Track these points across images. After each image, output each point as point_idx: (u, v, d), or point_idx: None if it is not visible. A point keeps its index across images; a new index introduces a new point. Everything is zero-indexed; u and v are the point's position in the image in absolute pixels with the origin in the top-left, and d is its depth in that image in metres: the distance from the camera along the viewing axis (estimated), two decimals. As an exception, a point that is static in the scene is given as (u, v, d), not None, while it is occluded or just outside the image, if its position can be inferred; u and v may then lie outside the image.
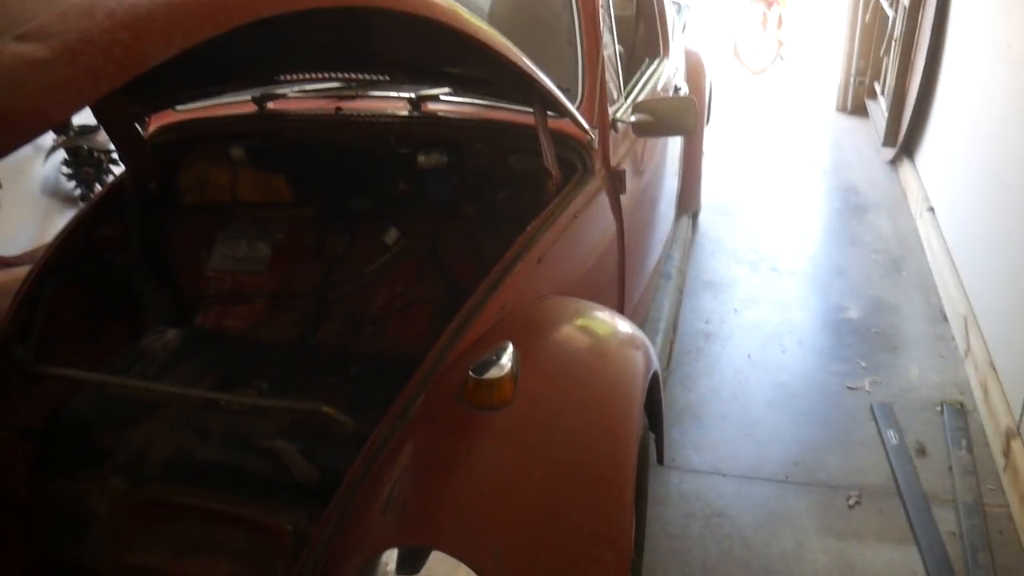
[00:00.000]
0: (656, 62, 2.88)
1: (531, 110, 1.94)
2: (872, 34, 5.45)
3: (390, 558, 1.28)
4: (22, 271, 1.98)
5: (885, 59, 5.19)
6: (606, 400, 1.54)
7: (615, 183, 2.16)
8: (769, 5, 7.24)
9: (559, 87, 1.88)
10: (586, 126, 2.00)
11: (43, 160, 4.18)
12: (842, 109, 6.01)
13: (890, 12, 4.95)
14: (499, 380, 1.43)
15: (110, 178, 4.27)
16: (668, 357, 2.72)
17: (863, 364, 3.07)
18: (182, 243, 2.31)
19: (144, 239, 2.21)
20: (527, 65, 1.67)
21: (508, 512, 1.33)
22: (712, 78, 4.02)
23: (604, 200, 2.13)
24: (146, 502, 1.64)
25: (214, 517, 1.60)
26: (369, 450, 1.41)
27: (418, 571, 1.25)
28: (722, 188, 4.74)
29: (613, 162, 2.17)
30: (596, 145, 2.08)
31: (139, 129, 2.27)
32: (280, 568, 1.55)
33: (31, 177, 4.17)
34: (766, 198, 4.66)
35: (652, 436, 2.05)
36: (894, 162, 4.85)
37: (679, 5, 7.43)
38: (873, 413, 2.79)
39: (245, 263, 2.24)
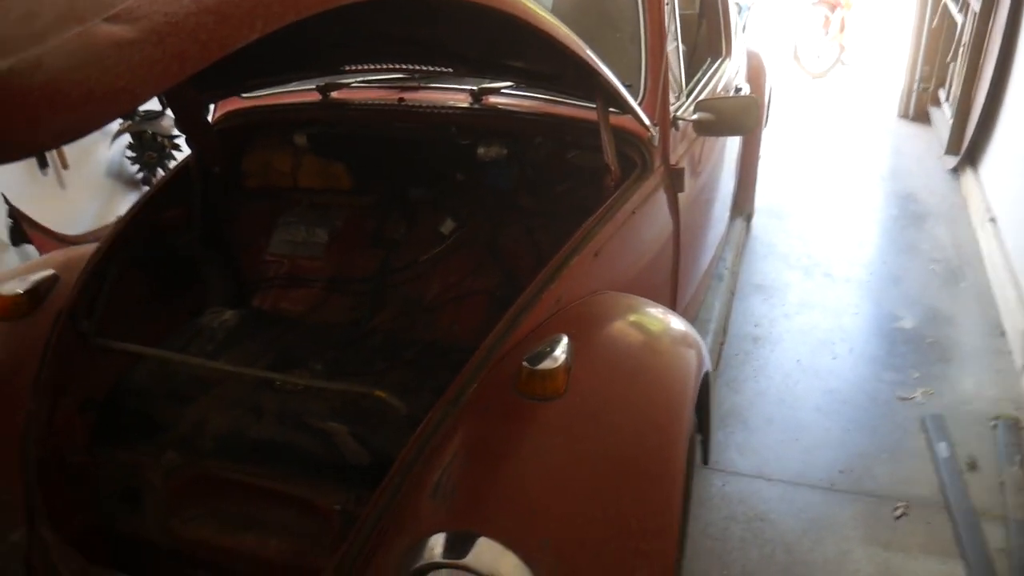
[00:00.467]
0: (719, 62, 2.86)
1: (593, 105, 1.94)
2: (939, 40, 5.33)
3: (437, 542, 1.30)
4: (90, 248, 2.05)
5: (951, 65, 5.08)
6: (658, 397, 1.54)
7: (674, 181, 2.15)
8: (832, 8, 7.13)
9: (621, 83, 1.89)
10: (647, 123, 2.00)
11: (109, 143, 4.30)
12: (904, 115, 5.88)
13: (959, 18, 4.83)
14: (553, 371, 1.44)
15: (172, 163, 4.38)
16: (717, 358, 2.70)
17: (916, 374, 3.02)
18: (243, 227, 2.36)
19: (207, 222, 2.27)
20: (592, 59, 1.67)
21: (556, 503, 1.35)
22: (772, 80, 3.96)
23: (662, 198, 2.12)
24: (199, 476, 1.68)
25: (265, 494, 1.64)
26: (421, 434, 1.43)
27: (464, 556, 1.27)
28: (777, 191, 4.68)
29: (672, 160, 2.17)
30: (656, 142, 2.07)
31: (206, 114, 2.33)
32: (327, 547, 1.57)
33: (96, 159, 4.29)
34: (821, 203, 4.59)
35: (699, 436, 2.04)
36: (956, 171, 4.74)
37: (740, 6, 7.36)
38: (924, 425, 2.74)
39: (303, 247, 2.28)
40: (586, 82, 1.85)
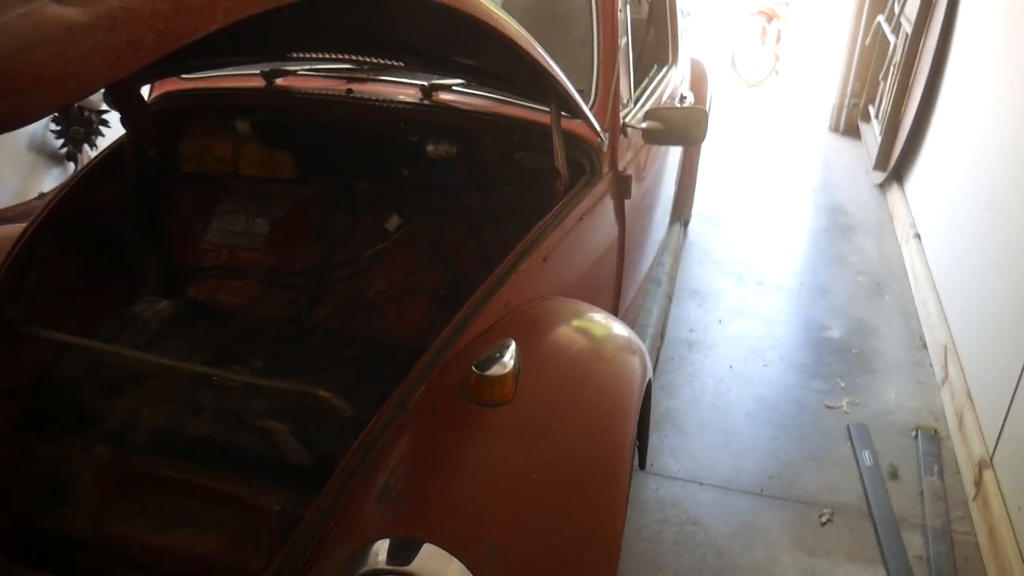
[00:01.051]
0: (665, 69, 2.89)
1: (544, 108, 1.94)
2: (871, 57, 5.50)
3: (381, 548, 1.28)
4: (15, 228, 1.95)
5: (882, 83, 5.25)
6: (604, 404, 1.55)
7: (621, 188, 2.17)
8: (769, 20, 7.29)
9: (574, 88, 1.89)
10: (598, 129, 2.00)
11: (32, 115, 4.10)
12: (835, 129, 6.06)
13: (892, 37, 5.00)
14: (502, 377, 1.43)
15: (100, 139, 4.21)
16: (655, 363, 2.74)
17: (842, 384, 3.11)
18: (179, 213, 2.28)
19: (141, 205, 2.19)
20: (548, 62, 1.66)
21: (503, 510, 1.34)
22: (713, 88, 4.03)
23: (610, 204, 2.13)
24: (131, 472, 1.62)
25: (200, 492, 1.59)
26: (366, 437, 1.41)
27: (409, 563, 1.25)
28: (712, 198, 4.77)
29: (620, 167, 2.18)
30: (606, 148, 2.08)
31: (142, 94, 2.24)
32: (264, 547, 1.53)
33: (17, 134, 4.09)
34: (755, 211, 4.69)
35: (636, 442, 2.06)
36: (883, 186, 4.91)
37: (682, 12, 7.46)
38: (849, 433, 2.83)
39: (242, 238, 2.21)
40: (540, 85, 1.85)
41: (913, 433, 2.85)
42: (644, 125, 2.17)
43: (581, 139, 2.05)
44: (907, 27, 4.57)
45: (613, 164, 2.14)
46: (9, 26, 0.83)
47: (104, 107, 4.09)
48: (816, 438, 2.82)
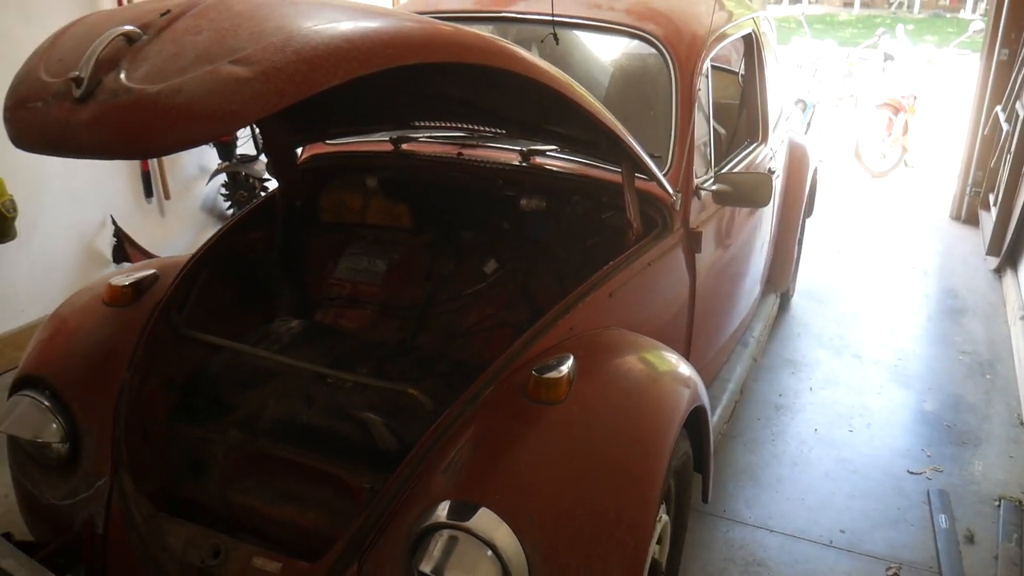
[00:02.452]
0: (753, 145, 3.14)
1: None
2: (991, 146, 5.51)
3: (444, 507, 1.57)
4: (186, 256, 2.41)
5: (1000, 171, 5.24)
6: (647, 413, 1.78)
7: (692, 242, 2.42)
8: (896, 112, 7.35)
9: (651, 154, 2.19)
10: (668, 188, 2.28)
11: (206, 181, 4.78)
12: (956, 217, 6.03)
13: (1005, 125, 5.02)
14: (557, 380, 1.71)
15: (259, 202, 4.82)
16: (731, 414, 2.90)
17: (928, 453, 3.15)
18: (314, 253, 2.71)
19: (284, 246, 2.63)
20: (621, 131, 1.97)
21: (548, 488, 1.60)
22: (815, 169, 4.21)
23: (680, 256, 2.39)
24: (255, 453, 1.97)
25: (308, 472, 1.91)
26: (440, 425, 1.71)
27: (466, 520, 1.53)
28: (820, 277, 4.88)
29: (692, 224, 2.44)
30: (678, 207, 2.35)
31: (294, 155, 2.71)
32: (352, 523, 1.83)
33: (194, 194, 4.77)
34: (862, 292, 4.75)
35: (698, 475, 2.25)
36: (998, 271, 4.87)
37: (805, 103, 7.66)
38: (928, 497, 2.88)
39: (364, 275, 2.61)
40: (616, 150, 2.15)
41: (996, 502, 2.87)
42: (715, 187, 2.43)
43: (656, 198, 2.34)
44: (1021, 112, 4.61)
45: (685, 221, 2.41)
46: (198, 79, 1.24)
47: (266, 175, 4.70)
48: (894, 500, 2.88)
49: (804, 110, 7.63)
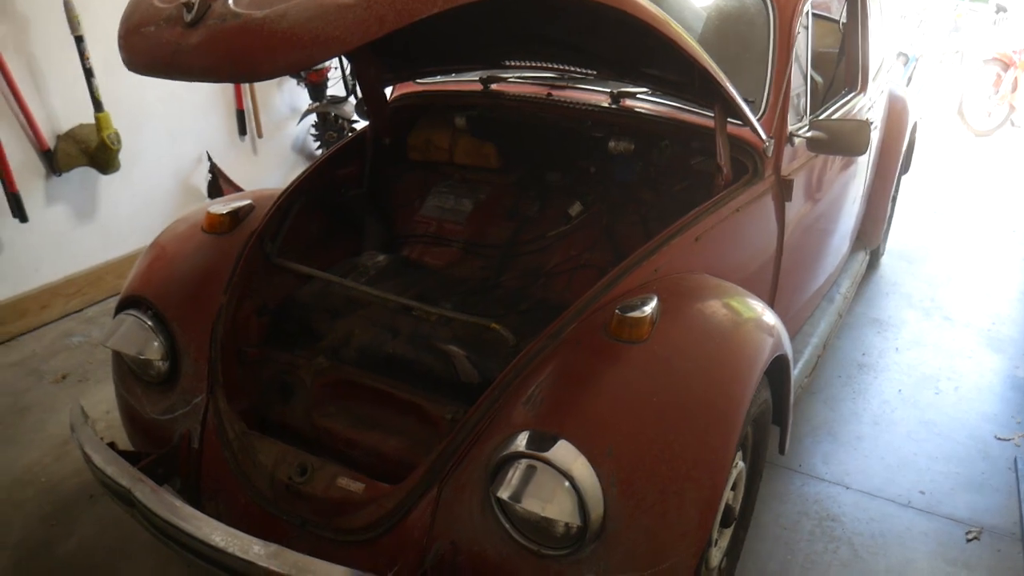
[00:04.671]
0: (851, 95, 3.03)
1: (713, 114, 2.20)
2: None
3: (523, 437, 1.60)
4: (277, 189, 2.48)
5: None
6: (729, 356, 1.77)
7: (782, 190, 2.37)
8: (1005, 68, 6.96)
9: (745, 98, 2.14)
10: (762, 133, 2.23)
11: (297, 121, 4.87)
12: (1065, 181, 5.73)
13: None
14: (640, 319, 1.71)
15: (347, 143, 4.90)
16: (812, 369, 2.85)
17: (1018, 420, 3.05)
18: (401, 190, 2.75)
19: (372, 182, 2.68)
20: (717, 72, 1.93)
21: (627, 424, 1.61)
22: (915, 124, 4.04)
23: (769, 204, 2.34)
24: (341, 380, 2.04)
25: (390, 400, 1.97)
26: (522, 358, 1.74)
27: (545, 451, 1.56)
28: (913, 237, 4.72)
29: (784, 172, 2.38)
30: (770, 153, 2.30)
31: (385, 93, 2.74)
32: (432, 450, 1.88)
33: (285, 134, 4.87)
34: (956, 253, 4.58)
35: (777, 429, 2.24)
36: (1108, 239, 4.62)
37: (907, 56, 7.32)
38: (1016, 464, 2.79)
39: (450, 213, 2.64)
40: (709, 93, 2.11)
41: (1088, 474, 2.77)
42: (808, 134, 2.36)
43: (747, 143, 2.29)
44: None
45: (776, 168, 2.35)
46: (302, 4, 1.27)
47: (354, 116, 4.76)
48: (979, 465, 2.80)
49: (906, 63, 7.31)
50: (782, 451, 2.30)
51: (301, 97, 4.81)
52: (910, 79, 7.35)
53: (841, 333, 3.59)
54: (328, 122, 4.77)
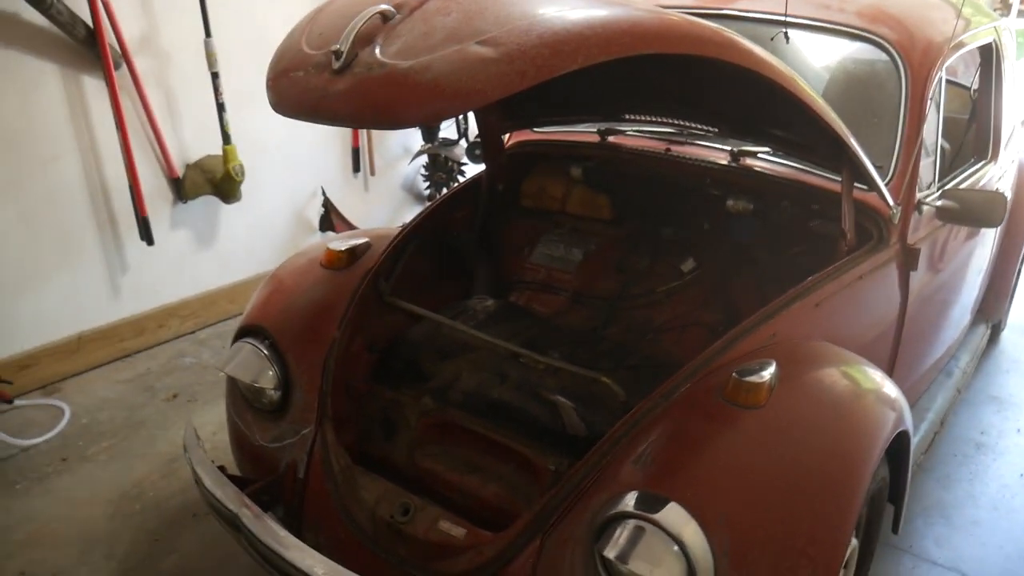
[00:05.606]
0: (982, 163, 2.92)
1: (839, 178, 2.15)
2: None
3: (632, 497, 1.56)
4: (395, 229, 2.54)
5: None
6: (850, 429, 1.70)
7: (908, 259, 2.28)
8: None
9: (873, 163, 2.08)
10: (890, 200, 2.16)
11: (409, 161, 5.00)
12: None
13: None
14: (758, 385, 1.67)
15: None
16: (929, 444, 2.72)
17: None
18: (512, 237, 2.78)
19: (484, 227, 2.71)
20: (846, 134, 1.89)
21: (741, 492, 1.56)
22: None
23: (893, 272, 2.26)
24: (445, 422, 2.04)
25: (493, 447, 1.96)
26: (634, 415, 1.71)
27: (655, 512, 1.52)
28: (1037, 312, 4.48)
29: (910, 241, 2.30)
30: (896, 220, 2.22)
31: (502, 140, 2.78)
32: (534, 500, 1.86)
33: (396, 173, 5.01)
34: (1086, 333, 4.32)
35: (891, 506, 2.13)
36: None
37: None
38: None
39: (559, 262, 2.65)
40: (836, 155, 2.06)
41: None
42: (939, 203, 2.28)
43: (873, 209, 2.22)
44: None
45: (903, 236, 2.27)
46: (446, 57, 1.30)
47: (464, 159, 4.86)
48: (1108, 563, 2.61)
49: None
50: (895, 531, 2.18)
51: (414, 138, 4.95)
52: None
53: (958, 410, 3.41)
54: (438, 163, 4.88)
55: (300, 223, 4.48)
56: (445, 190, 4.99)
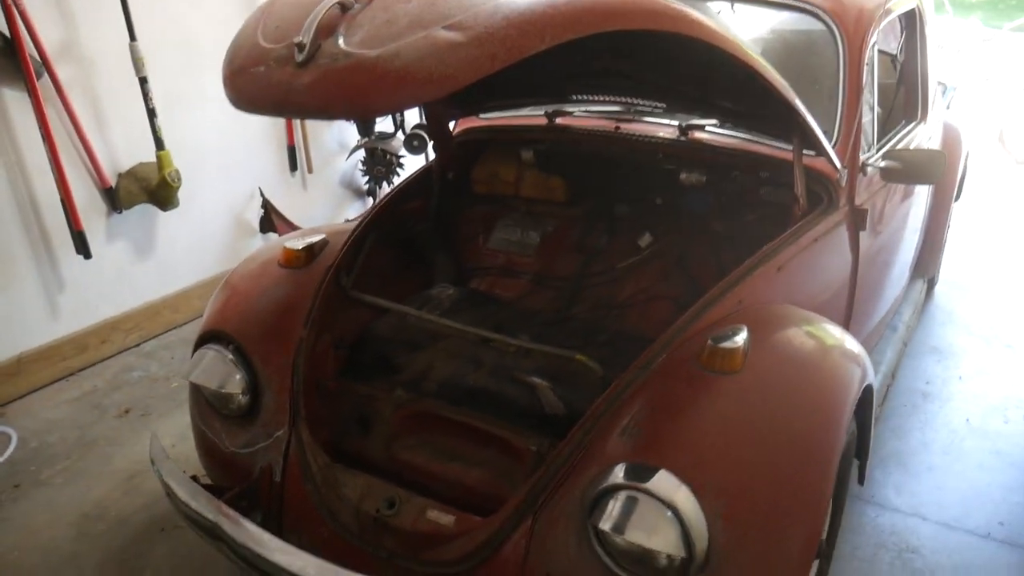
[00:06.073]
0: (912, 124, 3.03)
1: (787, 146, 2.20)
2: None
3: (621, 469, 1.59)
4: (351, 224, 2.51)
5: None
6: (823, 390, 1.76)
7: (856, 220, 2.36)
8: (1046, 93, 6.94)
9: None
10: (837, 163, 2.23)
11: (346, 156, 4.93)
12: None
13: None
14: (733, 351, 1.71)
15: (396, 179, 4.96)
16: (883, 398, 2.82)
17: (1093, 449, 2.99)
18: (466, 224, 2.77)
19: (439, 215, 2.70)
20: (797, 102, 1.94)
21: (727, 456, 1.60)
22: (968, 153, 4.03)
23: (844, 234, 2.33)
24: (421, 412, 2.03)
25: (472, 433, 1.96)
26: (614, 389, 1.73)
27: (645, 482, 1.54)
28: (964, 265, 4.67)
29: (857, 202, 2.37)
30: (844, 183, 2.30)
31: (450, 128, 2.77)
32: (519, 482, 1.86)
33: (334, 169, 4.94)
34: (1010, 280, 4.53)
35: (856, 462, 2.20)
36: None
37: (944, 86, 7.30)
38: (1095, 495, 2.74)
39: (518, 246, 2.66)
40: (786, 122, 2.12)
41: None
42: (883, 164, 2.36)
43: (821, 174, 2.29)
44: None
45: (850, 198, 2.35)
46: (414, 44, 1.29)
47: (402, 152, 4.81)
48: (1056, 496, 2.75)
49: (943, 92, 7.29)
50: (861, 482, 2.27)
51: (349, 133, 4.88)
52: (948, 106, 7.33)
53: (902, 363, 3.55)
54: (376, 157, 4.82)
55: (240, 226, 4.39)
56: (385, 184, 4.94)
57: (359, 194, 5.09)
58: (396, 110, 1.36)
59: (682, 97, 2.29)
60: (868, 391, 1.95)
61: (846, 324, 2.46)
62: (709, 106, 2.31)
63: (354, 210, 5.07)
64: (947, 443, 3.03)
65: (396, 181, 4.98)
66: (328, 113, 1.40)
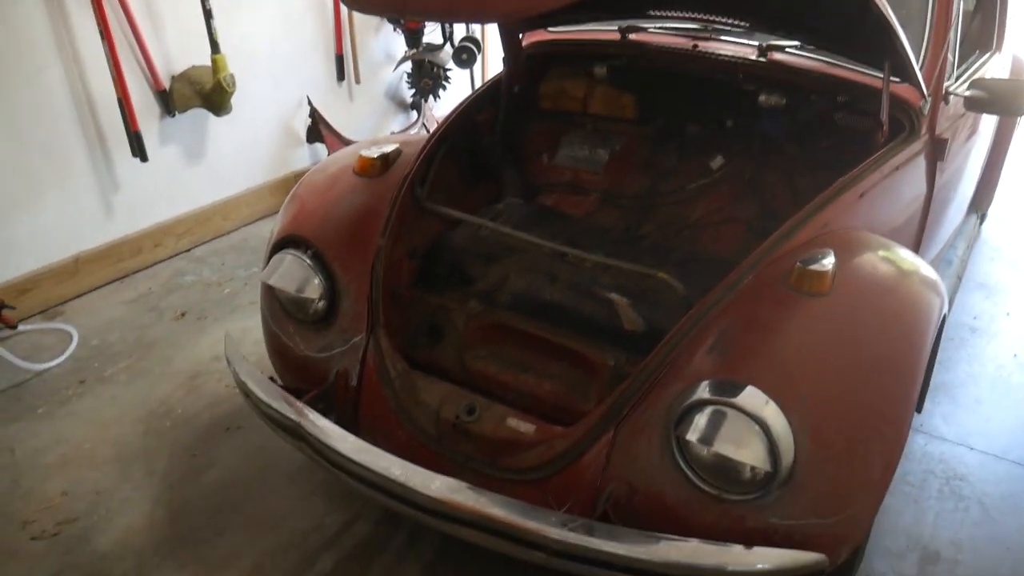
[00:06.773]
0: (988, 55, 2.97)
1: (872, 71, 2.17)
2: None
3: (708, 386, 1.62)
4: (423, 136, 2.49)
5: None
6: (907, 315, 1.77)
7: (936, 150, 2.33)
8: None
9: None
10: (925, 90, 2.19)
11: (393, 68, 4.87)
12: None
13: None
14: (822, 273, 1.72)
15: (442, 91, 4.90)
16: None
17: None
18: (532, 139, 2.75)
19: (505, 129, 2.68)
20: (893, 21, 1.89)
21: (815, 374, 1.63)
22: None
23: (922, 163, 2.31)
24: (494, 324, 2.05)
25: (546, 346, 1.98)
26: (700, 308, 1.75)
27: (734, 397, 1.57)
28: (1016, 202, 4.63)
29: (938, 131, 2.35)
30: (926, 111, 2.26)
31: (520, 41, 2.73)
32: (592, 396, 1.90)
33: (380, 80, 4.88)
34: (1059, 219, 4.50)
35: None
36: None
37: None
38: None
39: (585, 163, 2.64)
40: (876, 45, 2.07)
41: None
42: (968, 93, 2.32)
43: (904, 101, 2.26)
44: None
45: (932, 127, 2.32)
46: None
47: (450, 65, 4.75)
48: (1103, 432, 2.79)
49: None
50: (919, 410, 2.29)
51: (397, 43, 4.81)
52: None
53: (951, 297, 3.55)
54: (424, 69, 4.76)
55: (288, 135, 4.37)
56: (432, 97, 4.89)
57: (404, 107, 5.04)
58: (523, 15, 1.34)
59: (770, 17, 2.24)
60: (943, 320, 1.97)
61: (915, 252, 2.46)
62: (796, 25, 2.26)
63: (398, 123, 5.03)
64: (994, 377, 3.06)
65: (442, 95, 4.93)
66: (453, 15, 1.39)
